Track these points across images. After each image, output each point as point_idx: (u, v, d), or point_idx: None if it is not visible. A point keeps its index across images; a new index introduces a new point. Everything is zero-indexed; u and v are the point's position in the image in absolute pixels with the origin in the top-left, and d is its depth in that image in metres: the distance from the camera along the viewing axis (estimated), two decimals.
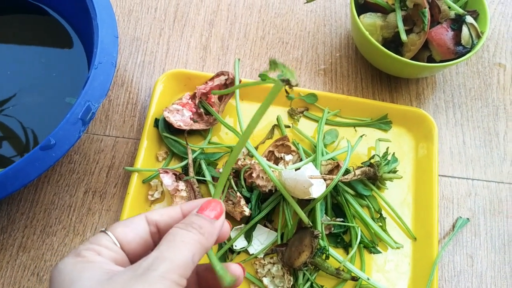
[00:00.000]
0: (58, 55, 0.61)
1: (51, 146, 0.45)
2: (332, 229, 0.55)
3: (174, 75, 0.61)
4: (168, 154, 0.59)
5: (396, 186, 0.60)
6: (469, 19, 0.60)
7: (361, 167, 0.57)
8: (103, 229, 0.32)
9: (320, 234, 0.51)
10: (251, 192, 0.55)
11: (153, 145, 0.58)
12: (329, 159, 0.57)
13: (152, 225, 0.34)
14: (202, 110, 0.60)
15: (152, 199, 0.56)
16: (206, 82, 0.60)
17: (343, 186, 0.56)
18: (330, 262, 0.53)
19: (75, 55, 0.61)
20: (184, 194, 0.54)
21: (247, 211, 0.53)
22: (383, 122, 0.63)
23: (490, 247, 0.59)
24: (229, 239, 0.54)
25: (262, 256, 0.54)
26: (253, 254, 0.54)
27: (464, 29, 0.60)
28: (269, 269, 0.53)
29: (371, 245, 0.56)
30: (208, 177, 0.56)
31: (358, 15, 0.62)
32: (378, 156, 0.59)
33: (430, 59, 0.62)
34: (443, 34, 0.60)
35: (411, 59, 0.61)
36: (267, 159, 0.57)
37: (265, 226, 0.56)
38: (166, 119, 0.58)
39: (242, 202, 0.53)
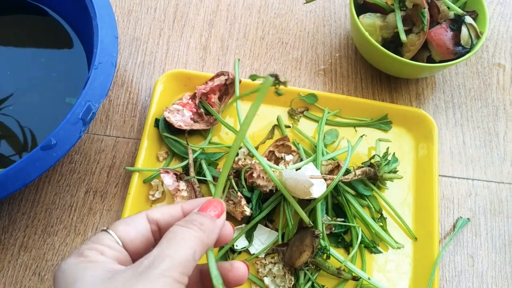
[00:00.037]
0: (58, 55, 0.61)
1: (52, 146, 0.45)
2: (333, 229, 0.55)
3: (174, 75, 0.61)
4: (168, 154, 0.59)
5: (396, 186, 0.60)
6: (468, 19, 0.61)
7: (362, 167, 0.57)
8: (105, 228, 0.32)
9: (321, 234, 0.51)
10: (251, 192, 0.55)
11: (154, 145, 0.58)
12: (329, 159, 0.57)
13: (153, 224, 0.34)
14: (202, 110, 0.60)
15: (153, 199, 0.56)
16: (206, 82, 0.60)
17: (343, 186, 0.56)
18: (331, 262, 0.53)
19: (75, 55, 0.61)
20: (185, 194, 0.54)
21: (248, 211, 0.53)
22: (383, 122, 0.63)
23: (491, 247, 0.59)
24: None
25: (263, 256, 0.54)
26: (254, 254, 0.54)
27: (464, 30, 0.60)
28: (270, 269, 0.53)
29: (372, 245, 0.56)
30: (208, 177, 0.56)
31: (358, 16, 0.62)
32: (379, 156, 0.59)
33: (430, 60, 0.62)
34: (443, 34, 0.60)
35: (411, 59, 0.61)
36: (268, 159, 0.57)
37: (266, 226, 0.56)
38: (167, 119, 0.58)
39: (243, 202, 0.53)
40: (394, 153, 0.60)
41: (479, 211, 0.61)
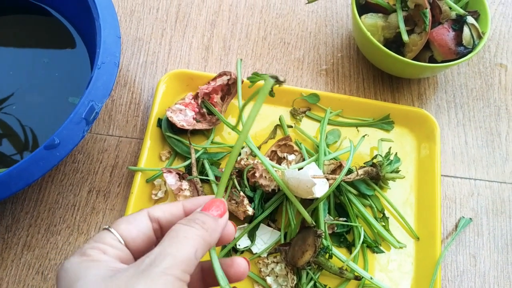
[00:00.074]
0: (60, 55, 0.61)
1: (55, 146, 0.45)
2: (335, 228, 0.56)
3: (177, 75, 0.61)
4: (171, 154, 0.59)
5: (398, 186, 0.60)
6: (470, 19, 0.61)
7: (364, 167, 0.57)
8: (107, 226, 0.32)
9: (323, 234, 0.51)
10: (254, 191, 0.55)
11: (156, 144, 0.58)
12: (331, 159, 0.57)
13: (154, 222, 0.34)
14: (204, 110, 0.60)
15: (156, 198, 0.56)
16: (209, 82, 0.60)
17: (346, 186, 0.56)
18: (333, 261, 0.53)
19: (77, 55, 0.61)
20: (187, 193, 0.54)
21: (250, 211, 0.53)
22: (385, 122, 0.63)
23: (493, 247, 0.59)
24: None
25: (265, 255, 0.54)
26: (256, 253, 0.54)
27: (465, 30, 0.60)
28: (272, 268, 0.53)
29: (374, 245, 0.56)
30: (211, 177, 0.56)
31: (360, 16, 0.62)
32: (381, 156, 0.59)
33: (432, 60, 0.63)
34: (445, 34, 0.60)
35: (413, 59, 0.61)
36: (270, 159, 0.58)
37: (268, 225, 0.56)
38: (169, 119, 0.58)
39: (245, 201, 0.53)
40: (396, 153, 0.60)
41: (481, 211, 0.61)
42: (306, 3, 0.71)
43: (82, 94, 0.48)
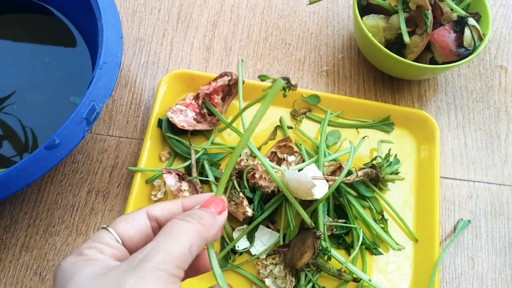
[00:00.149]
0: (61, 54, 0.61)
1: (55, 146, 0.45)
2: (334, 230, 0.56)
3: (178, 75, 0.61)
4: (171, 155, 0.59)
5: (398, 188, 0.60)
6: (471, 21, 0.61)
7: (363, 168, 0.57)
8: (105, 225, 0.32)
9: (322, 235, 0.51)
10: (253, 192, 0.55)
11: (157, 145, 0.58)
12: (331, 160, 0.57)
13: (153, 221, 0.34)
14: (205, 110, 0.60)
15: (155, 199, 0.56)
16: (210, 83, 0.60)
17: (345, 187, 0.56)
18: (332, 263, 0.53)
19: (79, 54, 0.61)
20: (187, 194, 0.54)
21: (249, 212, 0.53)
22: (385, 124, 0.63)
23: (491, 249, 0.59)
24: (232, 239, 0.54)
25: (264, 256, 0.54)
26: (255, 254, 0.54)
27: (466, 31, 0.60)
28: (271, 270, 0.53)
29: (372, 247, 0.56)
30: (211, 178, 0.56)
31: (361, 17, 0.62)
32: (380, 157, 0.59)
33: (432, 61, 0.63)
34: (446, 36, 0.60)
35: (414, 60, 0.61)
36: (270, 160, 0.58)
37: (268, 227, 0.56)
38: (170, 119, 0.58)
39: (245, 202, 0.53)
40: (396, 154, 0.61)
41: (480, 213, 0.61)
42: (307, 4, 0.71)
43: (83, 94, 0.48)
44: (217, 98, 0.60)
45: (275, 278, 0.53)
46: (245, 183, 0.55)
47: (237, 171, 0.57)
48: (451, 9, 0.61)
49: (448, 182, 0.63)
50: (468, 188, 0.63)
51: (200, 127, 0.59)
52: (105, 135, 0.60)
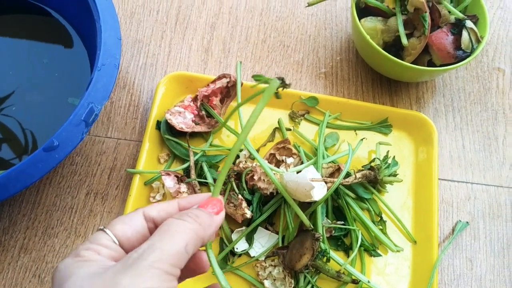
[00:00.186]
0: (60, 55, 0.61)
1: (54, 148, 0.45)
2: (333, 232, 0.56)
3: (176, 77, 0.61)
4: (169, 156, 0.59)
5: (396, 190, 0.60)
6: (469, 23, 0.61)
7: (362, 170, 0.57)
8: (102, 227, 0.32)
9: (321, 237, 0.51)
10: (252, 194, 0.55)
11: (155, 147, 0.58)
12: (330, 162, 0.57)
13: (149, 221, 0.34)
14: (203, 112, 0.60)
15: (154, 201, 0.56)
16: (208, 85, 0.60)
17: (344, 189, 0.57)
18: (331, 265, 0.53)
19: (77, 55, 0.61)
20: (185, 196, 0.54)
21: (248, 214, 0.53)
22: (383, 126, 0.63)
23: (490, 251, 0.60)
24: (231, 241, 0.54)
25: (263, 258, 0.54)
26: (254, 256, 0.54)
27: (464, 34, 0.60)
28: (270, 272, 0.53)
29: (371, 248, 0.56)
30: (209, 179, 0.56)
31: (359, 19, 0.62)
32: (379, 159, 0.59)
33: (430, 63, 0.63)
34: (443, 38, 0.60)
35: (412, 63, 0.61)
36: (269, 162, 0.58)
37: (266, 228, 0.56)
38: (168, 121, 0.58)
39: (244, 204, 0.53)
40: (394, 156, 0.61)
41: (478, 214, 0.61)
42: (306, 6, 0.71)
43: (82, 96, 0.48)
44: (216, 100, 0.60)
45: (274, 279, 0.53)
46: (244, 185, 0.55)
47: (236, 173, 0.57)
48: (449, 12, 0.62)
49: (446, 184, 0.63)
50: (466, 190, 0.63)
51: (198, 129, 0.59)
52: (104, 137, 0.60)
